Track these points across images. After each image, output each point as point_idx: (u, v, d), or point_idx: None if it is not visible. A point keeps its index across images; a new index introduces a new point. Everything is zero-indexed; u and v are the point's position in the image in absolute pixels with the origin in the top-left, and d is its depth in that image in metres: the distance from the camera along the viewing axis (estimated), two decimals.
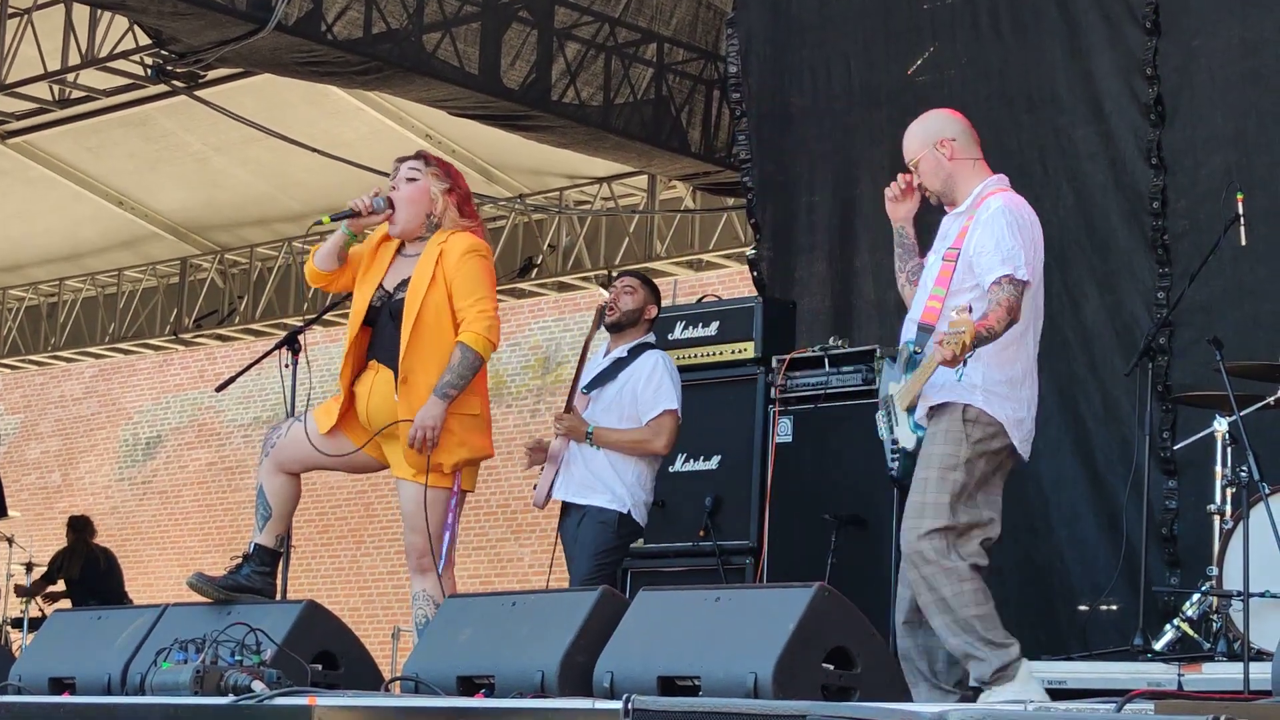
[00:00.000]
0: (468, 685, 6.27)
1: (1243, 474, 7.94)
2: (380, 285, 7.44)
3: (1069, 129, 10.59)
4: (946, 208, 7.05)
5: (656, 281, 9.52)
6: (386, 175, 15.04)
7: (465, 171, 16.36)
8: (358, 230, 7.52)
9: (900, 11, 11.37)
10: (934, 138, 7.06)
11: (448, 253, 7.29)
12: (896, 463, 6.78)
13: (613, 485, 8.41)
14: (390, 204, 7.43)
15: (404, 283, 7.32)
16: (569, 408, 8.46)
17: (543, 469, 8.55)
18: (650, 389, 8.51)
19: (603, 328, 8.79)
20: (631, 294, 8.70)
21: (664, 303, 9.05)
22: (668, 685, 5.63)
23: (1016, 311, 6.59)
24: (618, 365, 8.60)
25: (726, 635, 5.68)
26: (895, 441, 6.77)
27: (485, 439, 7.33)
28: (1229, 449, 8.25)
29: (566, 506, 8.52)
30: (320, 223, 7.89)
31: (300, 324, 9.00)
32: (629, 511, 8.43)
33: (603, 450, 8.41)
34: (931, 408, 6.62)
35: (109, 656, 7.27)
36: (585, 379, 8.59)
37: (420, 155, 7.70)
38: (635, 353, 8.63)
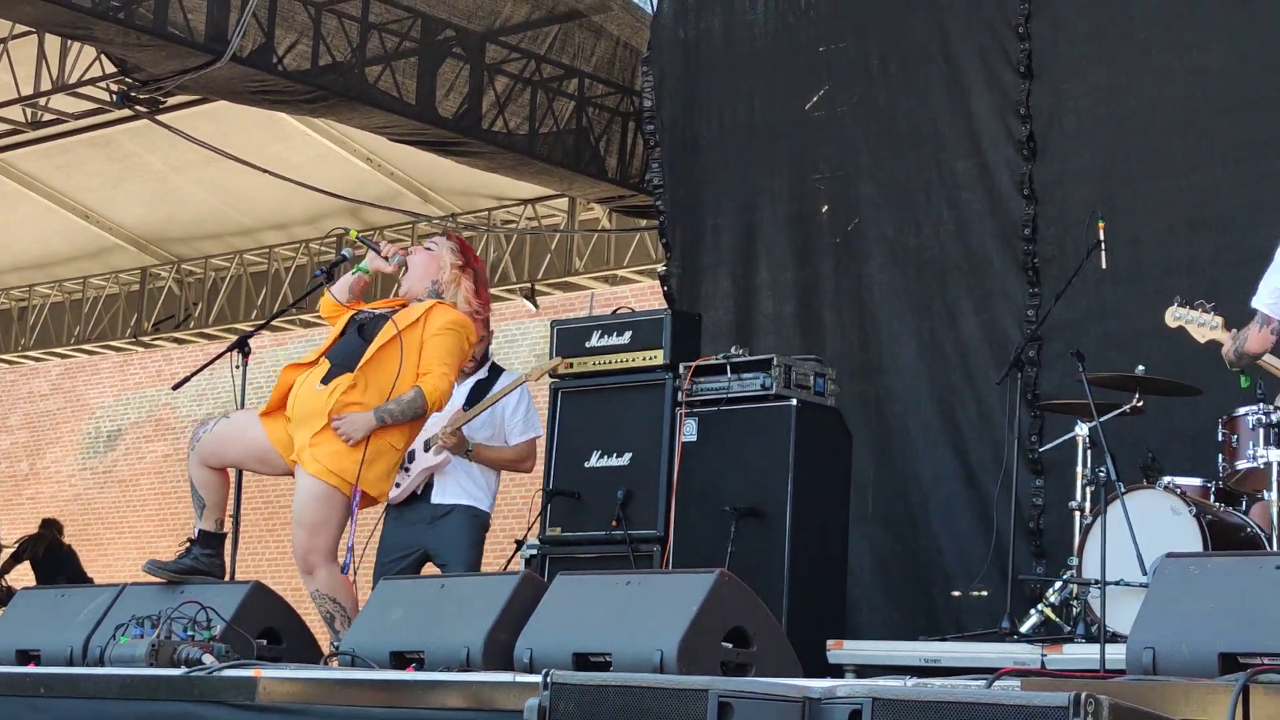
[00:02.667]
0: (399, 660, 6.25)
1: (1101, 474, 7.98)
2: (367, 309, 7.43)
3: (950, 162, 10.63)
4: None
5: (575, 294, 9.51)
6: (332, 195, 15.02)
7: (402, 193, 16.41)
8: (373, 269, 7.52)
9: (798, 54, 11.40)
10: None
11: (433, 317, 7.21)
12: None
13: (481, 489, 8.59)
14: (404, 266, 7.42)
15: (391, 312, 7.28)
16: (455, 433, 8.47)
17: (407, 470, 8.53)
18: (519, 416, 8.70)
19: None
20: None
21: (581, 314, 9.07)
22: (582, 661, 5.62)
23: None
24: (482, 387, 8.67)
25: (635, 616, 5.68)
26: None
27: (388, 479, 7.27)
28: (1089, 452, 8.29)
29: (420, 502, 8.57)
30: (347, 231, 7.91)
31: (250, 329, 8.95)
32: (487, 509, 8.64)
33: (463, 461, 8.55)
34: None
35: (72, 631, 7.21)
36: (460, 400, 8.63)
37: (445, 233, 7.66)
38: (494, 372, 8.73)
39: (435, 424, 8.42)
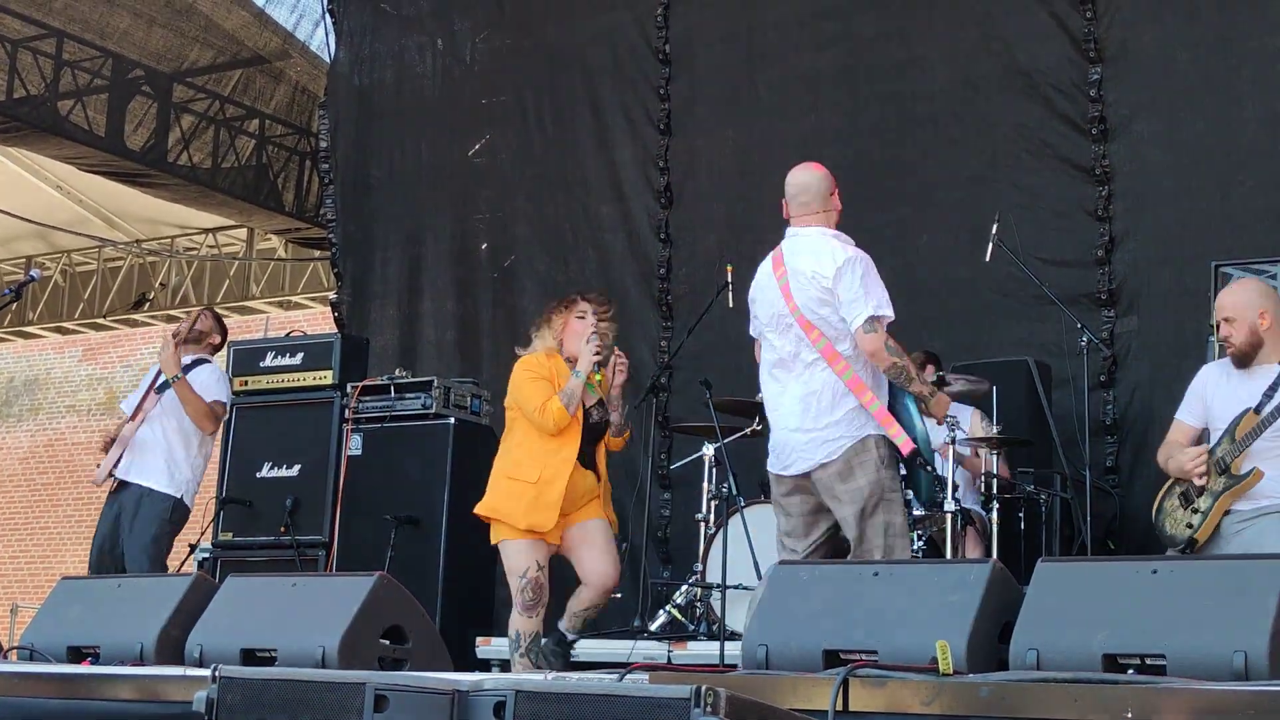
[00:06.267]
0: (76, 654, 6.07)
1: (724, 490, 8.11)
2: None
3: (595, 206, 10.74)
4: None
5: (252, 318, 9.35)
6: (23, 219, 14.45)
7: (90, 219, 15.98)
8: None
9: (462, 104, 11.41)
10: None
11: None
12: None
13: (174, 471, 8.24)
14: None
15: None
16: (174, 345, 8.23)
17: (109, 449, 8.31)
18: (209, 381, 8.40)
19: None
20: (195, 329, 8.59)
21: (257, 335, 8.92)
22: (249, 656, 5.53)
23: None
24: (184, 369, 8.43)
25: (301, 615, 5.60)
26: None
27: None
28: (714, 469, 8.41)
29: (123, 483, 8.28)
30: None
31: None
32: (182, 497, 8.28)
33: (168, 438, 8.25)
34: None
35: None
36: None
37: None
38: (194, 364, 8.50)
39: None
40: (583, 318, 7.08)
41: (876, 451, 6.17)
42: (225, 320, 9.10)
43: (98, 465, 8.35)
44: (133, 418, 8.29)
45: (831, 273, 6.21)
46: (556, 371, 7.01)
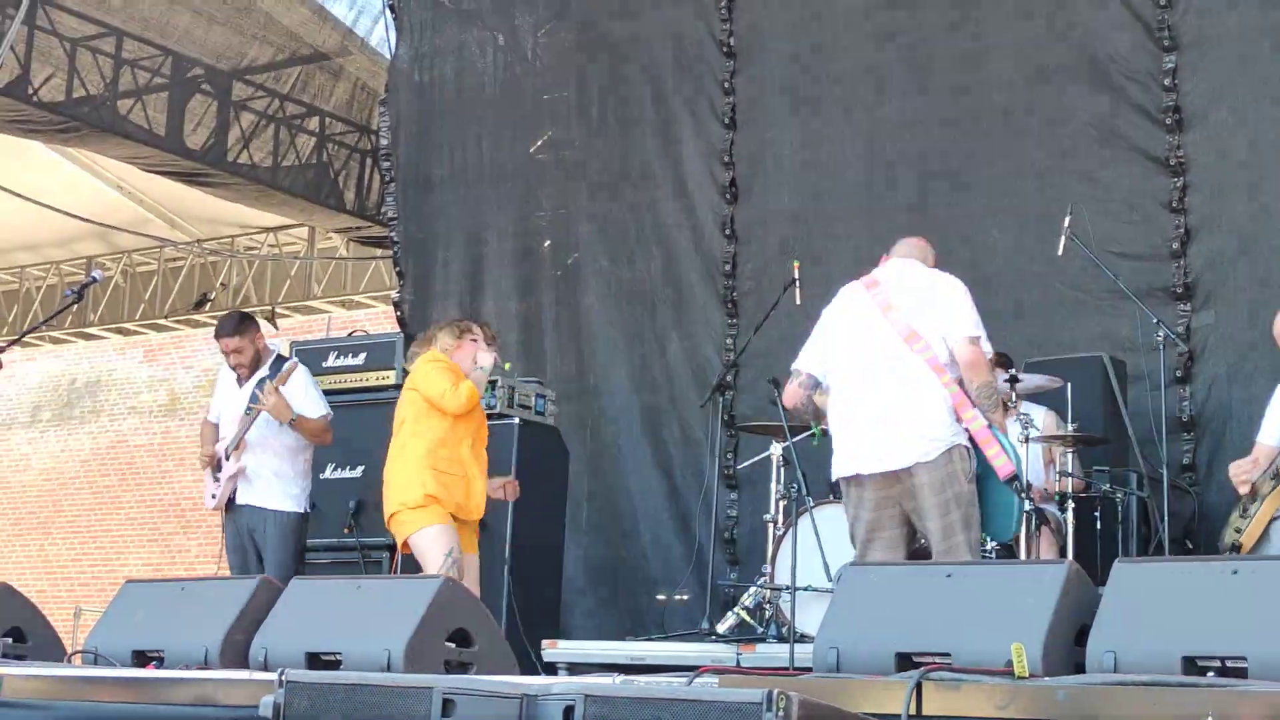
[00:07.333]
0: (140, 658, 6.11)
1: (793, 490, 8.09)
2: None
3: (659, 203, 10.73)
4: None
5: (314, 317, 9.33)
6: (83, 220, 14.56)
7: (151, 219, 16.09)
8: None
9: (524, 101, 11.43)
10: None
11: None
12: None
13: (288, 488, 8.28)
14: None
15: None
16: (275, 390, 8.18)
17: (215, 478, 8.30)
18: (308, 400, 8.34)
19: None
20: (239, 352, 8.46)
21: (319, 335, 8.89)
22: (314, 660, 5.55)
23: None
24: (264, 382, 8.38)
25: (366, 618, 5.61)
26: None
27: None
28: (782, 469, 8.39)
29: (240, 508, 8.31)
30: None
31: (3, 344, 8.68)
32: (305, 509, 8.35)
33: (275, 460, 8.25)
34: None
35: None
36: (238, 404, 8.36)
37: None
38: (275, 366, 8.43)
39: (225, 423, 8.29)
40: (475, 340, 7.71)
41: (962, 464, 6.20)
42: (279, 320, 9.01)
43: (213, 495, 8.33)
44: (237, 448, 8.27)
45: (945, 287, 6.41)
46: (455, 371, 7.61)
